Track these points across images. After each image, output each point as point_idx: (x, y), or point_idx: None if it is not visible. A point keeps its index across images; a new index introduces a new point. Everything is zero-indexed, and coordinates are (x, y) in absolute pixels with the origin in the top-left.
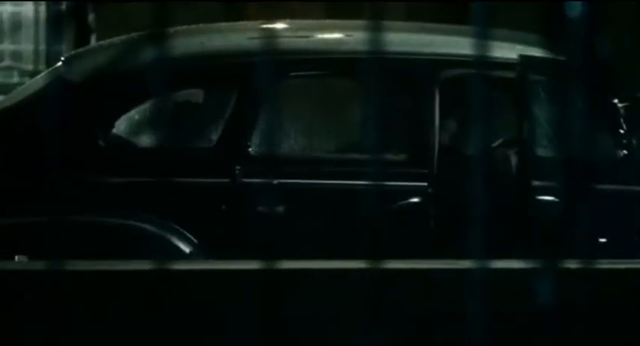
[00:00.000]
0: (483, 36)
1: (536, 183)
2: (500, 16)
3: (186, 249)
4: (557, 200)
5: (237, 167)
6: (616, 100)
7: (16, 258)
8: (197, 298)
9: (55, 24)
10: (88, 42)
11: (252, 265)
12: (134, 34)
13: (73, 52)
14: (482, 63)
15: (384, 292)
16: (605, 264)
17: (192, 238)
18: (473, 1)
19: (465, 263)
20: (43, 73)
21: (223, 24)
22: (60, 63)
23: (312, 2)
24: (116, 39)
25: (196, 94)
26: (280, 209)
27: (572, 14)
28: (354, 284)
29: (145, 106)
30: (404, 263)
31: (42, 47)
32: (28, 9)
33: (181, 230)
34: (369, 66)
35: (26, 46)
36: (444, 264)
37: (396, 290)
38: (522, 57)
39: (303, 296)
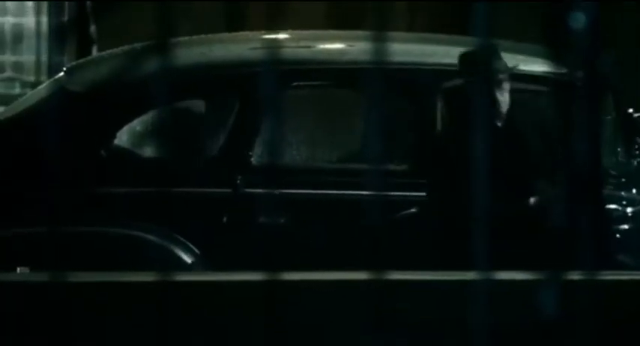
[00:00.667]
0: (485, 39)
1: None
2: (505, 27)
3: (188, 259)
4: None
5: (239, 177)
6: (631, 110)
7: (18, 269)
8: (199, 309)
9: (58, 35)
10: (89, 53)
11: (255, 276)
12: (136, 45)
13: (74, 63)
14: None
15: (387, 303)
16: (609, 276)
17: (194, 248)
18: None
19: (469, 275)
20: (44, 84)
21: (225, 34)
22: (62, 73)
23: (314, 11)
24: (118, 50)
25: (198, 105)
26: (282, 219)
27: (576, 26)
28: (357, 296)
29: (147, 117)
30: (407, 275)
31: (44, 58)
32: (29, 20)
33: (183, 240)
34: (371, 76)
35: (28, 57)
36: (447, 276)
37: (399, 300)
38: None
39: (305, 307)
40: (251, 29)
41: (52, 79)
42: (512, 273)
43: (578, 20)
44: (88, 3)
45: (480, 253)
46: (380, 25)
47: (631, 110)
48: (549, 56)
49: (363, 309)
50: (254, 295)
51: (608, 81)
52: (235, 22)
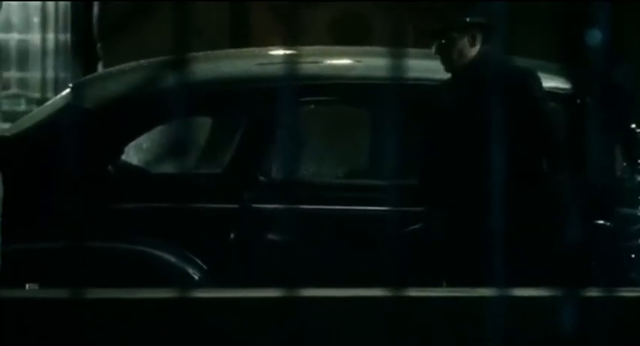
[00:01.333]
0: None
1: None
2: (521, 44)
3: (195, 275)
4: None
5: (247, 193)
6: (634, 125)
7: (27, 286)
8: (213, 326)
9: (73, 53)
10: (95, 70)
11: (270, 293)
12: (142, 61)
13: (81, 79)
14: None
15: (402, 320)
16: (627, 292)
17: (201, 264)
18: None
19: (486, 291)
20: (51, 100)
21: (232, 50)
22: (68, 90)
23: (317, 25)
24: (124, 66)
25: (206, 120)
26: (290, 235)
27: (592, 43)
28: (372, 312)
29: (155, 133)
30: (422, 291)
31: (49, 75)
32: (35, 37)
33: (190, 255)
34: (386, 92)
35: (33, 74)
36: (463, 292)
37: (415, 317)
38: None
39: (319, 324)
40: (256, 45)
41: (58, 96)
42: (529, 290)
43: (594, 35)
44: (95, 21)
45: (497, 270)
46: (397, 42)
47: (634, 125)
48: (562, 72)
49: (377, 326)
50: (269, 311)
51: (623, 94)
52: (241, 38)
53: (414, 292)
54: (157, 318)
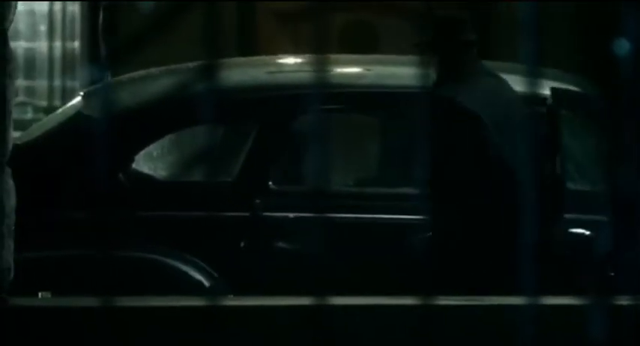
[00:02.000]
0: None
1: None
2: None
3: (206, 283)
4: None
5: (257, 200)
6: None
7: (40, 294)
8: (241, 334)
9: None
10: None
11: (297, 301)
12: (152, 69)
13: (91, 88)
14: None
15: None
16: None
17: (212, 271)
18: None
19: (515, 300)
20: (61, 109)
21: (242, 58)
22: (79, 98)
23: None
24: (134, 74)
25: (217, 128)
26: (301, 243)
27: (620, 53)
28: (388, 321)
29: (165, 141)
30: (445, 300)
31: (56, 83)
32: (42, 45)
33: (201, 263)
34: (397, 100)
35: (40, 82)
36: (491, 301)
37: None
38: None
39: (333, 333)
40: (262, 50)
41: (68, 104)
42: (556, 298)
43: (622, 45)
44: (101, 29)
45: (525, 278)
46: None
47: None
48: (582, 81)
49: (398, 334)
50: (284, 319)
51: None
52: (246, 43)
53: (435, 300)
54: (170, 327)
